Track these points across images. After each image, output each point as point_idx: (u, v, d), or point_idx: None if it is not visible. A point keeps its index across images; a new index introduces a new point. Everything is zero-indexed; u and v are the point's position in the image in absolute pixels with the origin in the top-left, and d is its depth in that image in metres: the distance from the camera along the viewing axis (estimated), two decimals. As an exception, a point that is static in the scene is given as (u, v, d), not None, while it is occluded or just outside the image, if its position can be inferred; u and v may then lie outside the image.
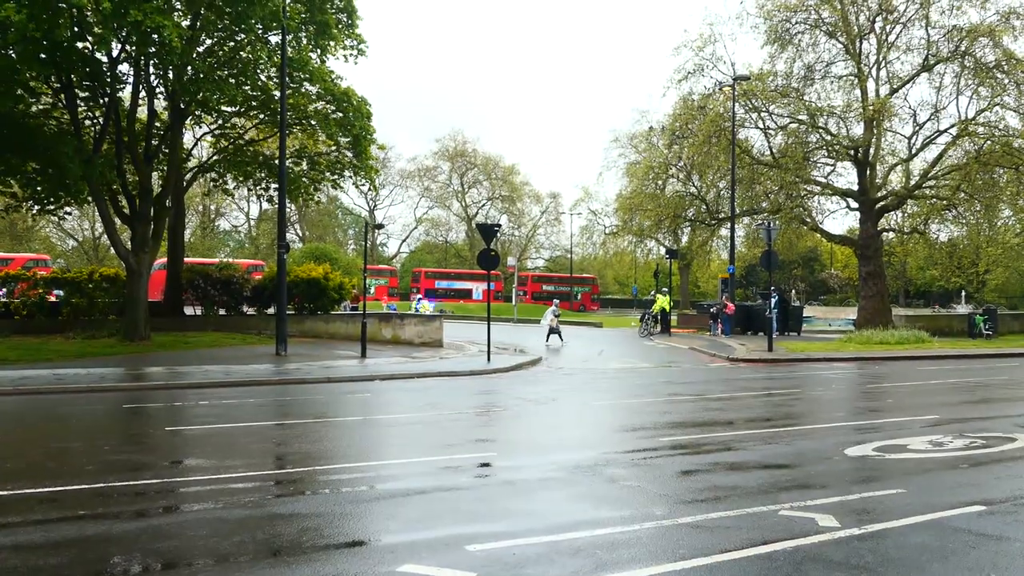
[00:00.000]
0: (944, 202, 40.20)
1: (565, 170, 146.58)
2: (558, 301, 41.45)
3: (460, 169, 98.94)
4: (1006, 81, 38.12)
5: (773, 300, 34.58)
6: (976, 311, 42.97)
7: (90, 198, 28.41)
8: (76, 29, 24.50)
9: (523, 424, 14.15)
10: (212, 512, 7.83)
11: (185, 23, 26.38)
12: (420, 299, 49.14)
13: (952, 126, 39.99)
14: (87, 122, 28.83)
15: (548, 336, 35.06)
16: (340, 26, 28.77)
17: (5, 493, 8.45)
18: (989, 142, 38.34)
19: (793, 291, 68.94)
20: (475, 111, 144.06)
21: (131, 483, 8.95)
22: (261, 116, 31.57)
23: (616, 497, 8.35)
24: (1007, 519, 7.46)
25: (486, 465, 10.11)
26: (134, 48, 25.48)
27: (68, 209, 32.38)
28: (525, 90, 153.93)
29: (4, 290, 31.23)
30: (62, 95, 26.97)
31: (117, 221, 29.44)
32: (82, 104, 27.89)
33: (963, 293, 65.35)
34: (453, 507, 7.93)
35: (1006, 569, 6.10)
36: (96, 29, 24.17)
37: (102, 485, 8.83)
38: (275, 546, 6.70)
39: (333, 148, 32.68)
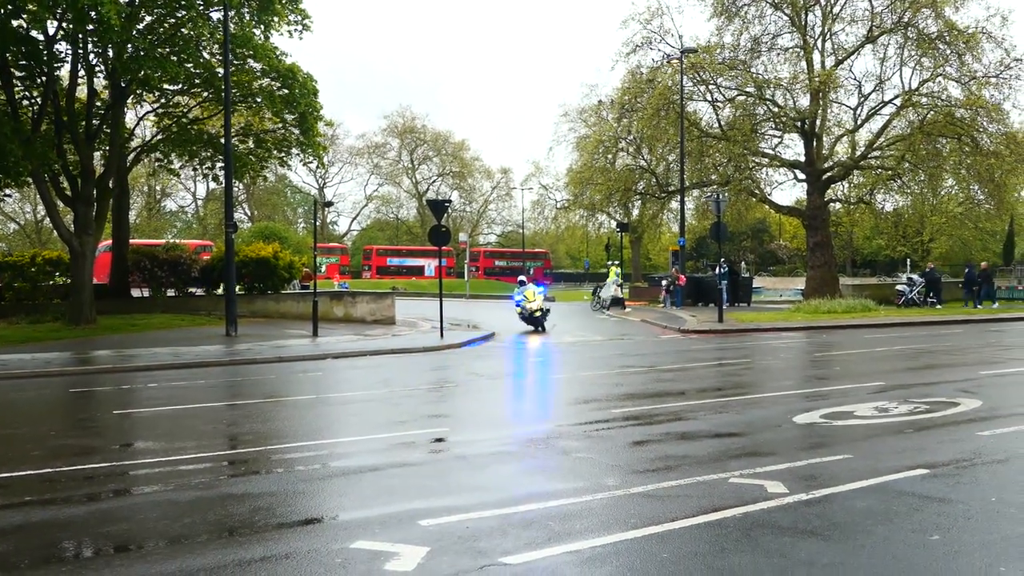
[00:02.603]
0: (889, 172, 40.77)
1: (516, 145, 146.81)
2: (619, 271, 41.58)
3: (410, 145, 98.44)
4: (948, 52, 38.69)
5: (723, 271, 34.93)
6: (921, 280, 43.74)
7: (30, 180, 27.82)
8: (10, 7, 23.91)
9: (476, 399, 14.18)
10: (163, 494, 7.75)
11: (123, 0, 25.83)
12: (526, 284, 29.39)
13: (896, 97, 40.54)
14: (24, 102, 28.16)
15: (610, 305, 37.44)
16: (283, 1, 28.36)
17: (-52, 481, 8.29)
18: (932, 112, 38.94)
19: (743, 262, 69.78)
20: (424, 86, 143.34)
21: (79, 467, 8.82)
22: (205, 94, 31.06)
23: (568, 469, 8.40)
24: (949, 481, 7.64)
25: (439, 440, 10.12)
26: (71, 26, 24.91)
27: (8, 191, 31.71)
28: (474, 65, 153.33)
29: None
30: (-3, 74, 26.33)
31: (59, 203, 28.88)
32: (18, 84, 27.23)
33: (908, 262, 66.50)
34: (406, 483, 7.93)
35: (948, 530, 6.25)
36: (31, 6, 23.58)
37: (49, 470, 8.69)
38: (228, 526, 6.65)
39: (279, 125, 32.28)
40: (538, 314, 28.02)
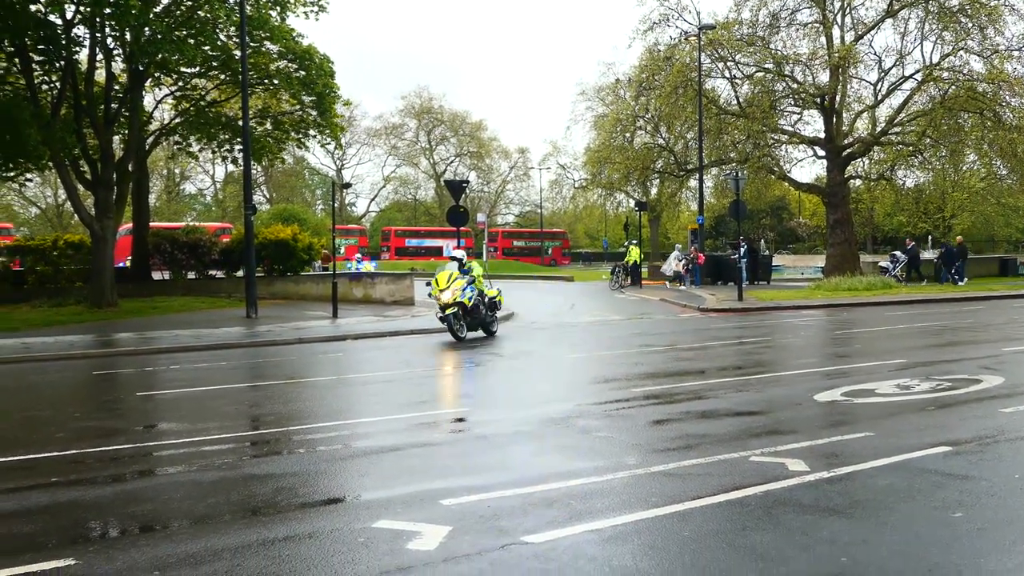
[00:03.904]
0: (910, 148, 40.41)
1: (533, 125, 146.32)
2: (680, 246, 41.88)
3: (427, 126, 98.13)
4: (969, 25, 38.21)
5: (742, 250, 34.80)
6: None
7: (51, 164, 27.97)
8: (28, -9, 23.98)
9: (496, 379, 14.20)
10: (187, 475, 7.82)
11: (140, -18, 25.85)
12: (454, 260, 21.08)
13: (917, 72, 40.10)
14: (44, 87, 28.24)
15: (673, 280, 37.85)
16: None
17: (-24, 463, 8.38)
18: (953, 87, 38.48)
19: (762, 240, 69.25)
20: (440, 66, 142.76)
21: (104, 449, 8.90)
22: (222, 76, 31.09)
23: (589, 448, 8.41)
24: (972, 459, 7.60)
25: (460, 420, 10.15)
26: (88, 9, 24.96)
27: (29, 176, 31.92)
28: (491, 45, 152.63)
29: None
30: (16, 60, 26.40)
31: (80, 187, 29.01)
32: (38, 68, 27.31)
33: (930, 238, 65.93)
34: (427, 463, 7.96)
35: (971, 507, 6.23)
36: (49, -10, 23.65)
37: (75, 452, 8.78)
38: (251, 506, 6.71)
39: (297, 107, 32.29)
40: (451, 311, 17.93)
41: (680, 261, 38.95)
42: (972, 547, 5.43)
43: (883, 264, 39.18)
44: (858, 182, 46.19)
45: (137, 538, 6.01)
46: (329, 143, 35.70)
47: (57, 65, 27.31)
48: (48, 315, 25.12)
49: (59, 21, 25.90)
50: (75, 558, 5.48)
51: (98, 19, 25.84)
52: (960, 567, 5.09)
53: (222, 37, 29.14)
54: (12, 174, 28.78)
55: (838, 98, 40.30)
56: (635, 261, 42.28)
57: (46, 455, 8.68)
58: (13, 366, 16.62)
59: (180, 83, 32.13)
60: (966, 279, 38.15)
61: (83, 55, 28.14)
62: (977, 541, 5.54)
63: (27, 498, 7.12)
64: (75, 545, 5.82)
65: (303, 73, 29.66)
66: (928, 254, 53.97)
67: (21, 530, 6.24)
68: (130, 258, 34.05)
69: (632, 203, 55.20)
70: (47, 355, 17.56)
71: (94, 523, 6.43)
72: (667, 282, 38.45)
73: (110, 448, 8.94)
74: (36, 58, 26.88)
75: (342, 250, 65.41)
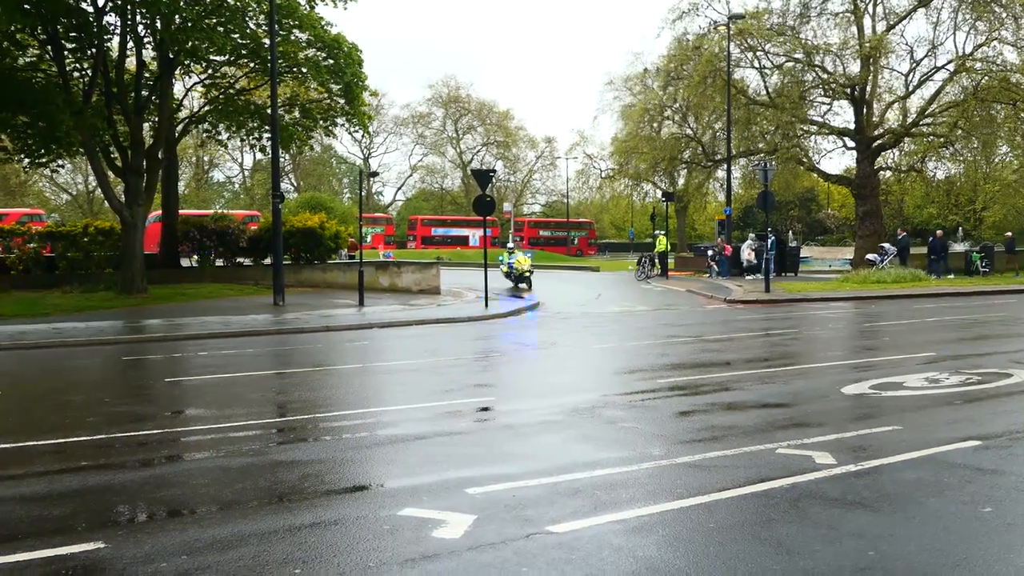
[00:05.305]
0: (941, 139, 39.97)
1: (560, 114, 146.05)
2: (753, 235, 41.47)
3: (454, 115, 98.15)
4: (1003, 15, 37.75)
5: (770, 241, 34.57)
6: (973, 249, 42.85)
7: (82, 151, 28.22)
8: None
9: (522, 369, 14.21)
10: (214, 461, 7.88)
11: (171, -30, 25.97)
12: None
13: (949, 62, 39.66)
14: (75, 74, 28.49)
15: (746, 272, 37.65)
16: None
17: (7, 446, 8.48)
18: (986, 78, 38.03)
19: (790, 232, 68.82)
20: (468, 55, 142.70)
21: (132, 434, 8.98)
22: (251, 65, 31.19)
23: (614, 439, 8.40)
24: (1002, 453, 7.52)
25: (485, 410, 10.17)
26: (120, -3, 25.15)
27: (61, 162, 32.24)
28: (518, 33, 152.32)
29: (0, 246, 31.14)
30: (49, 47, 26.63)
31: (110, 174, 29.24)
32: (69, 56, 27.53)
33: (960, 231, 65.18)
34: (453, 451, 7.98)
35: (1001, 502, 6.16)
36: (81, -22, 23.83)
37: (104, 436, 8.87)
38: (278, 493, 6.75)
39: (325, 96, 32.39)
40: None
41: (752, 250, 38.48)
42: (1001, 542, 5.38)
43: (870, 257, 38.34)
44: (888, 174, 45.78)
45: (165, 522, 6.07)
46: (357, 131, 35.79)
47: (89, 53, 27.52)
48: (79, 301, 25.38)
49: (90, 9, 26.12)
50: (104, 541, 5.54)
51: (129, 7, 26.02)
52: (989, 562, 5.04)
53: (251, 25, 29.24)
54: (44, 160, 29.10)
55: (869, 88, 39.94)
56: (661, 252, 42.19)
57: (77, 439, 8.77)
58: (45, 351, 16.84)
59: (210, 71, 32.28)
60: (952, 275, 37.08)
61: (114, 43, 28.37)
62: (1007, 536, 5.49)
63: (57, 481, 7.20)
64: (104, 528, 5.88)
65: (331, 62, 29.72)
66: (959, 246, 53.25)
67: (51, 513, 6.32)
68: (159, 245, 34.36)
69: (659, 193, 55.01)
70: (78, 340, 17.76)
71: (123, 507, 6.50)
72: (721, 275, 37.86)
73: (139, 433, 9.02)
74: (68, 45, 27.09)
75: (368, 238, 65.60)
